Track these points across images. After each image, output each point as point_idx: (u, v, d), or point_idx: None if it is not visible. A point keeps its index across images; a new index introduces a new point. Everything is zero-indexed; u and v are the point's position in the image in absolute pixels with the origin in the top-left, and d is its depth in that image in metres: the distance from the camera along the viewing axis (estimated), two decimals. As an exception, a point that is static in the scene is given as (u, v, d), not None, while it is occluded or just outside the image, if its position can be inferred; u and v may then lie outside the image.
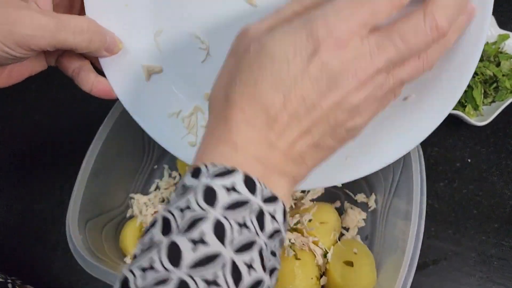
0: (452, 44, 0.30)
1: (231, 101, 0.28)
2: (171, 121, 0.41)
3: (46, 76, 0.72)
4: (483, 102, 0.60)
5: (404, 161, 0.49)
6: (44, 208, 0.61)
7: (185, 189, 0.26)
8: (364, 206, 0.57)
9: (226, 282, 0.24)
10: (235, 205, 0.25)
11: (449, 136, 0.61)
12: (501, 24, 0.64)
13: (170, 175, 0.61)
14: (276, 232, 0.27)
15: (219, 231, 0.24)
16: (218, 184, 0.25)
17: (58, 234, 0.58)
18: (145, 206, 0.56)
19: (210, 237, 0.24)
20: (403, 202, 0.48)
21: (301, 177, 0.30)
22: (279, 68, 0.27)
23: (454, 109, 0.59)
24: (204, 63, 0.39)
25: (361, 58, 0.27)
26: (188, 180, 0.26)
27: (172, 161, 0.61)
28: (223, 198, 0.25)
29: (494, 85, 0.60)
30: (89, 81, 0.38)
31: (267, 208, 0.26)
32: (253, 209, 0.26)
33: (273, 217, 0.26)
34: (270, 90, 0.27)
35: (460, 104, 0.61)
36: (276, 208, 0.27)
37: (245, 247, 0.25)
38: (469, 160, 0.60)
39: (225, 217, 0.25)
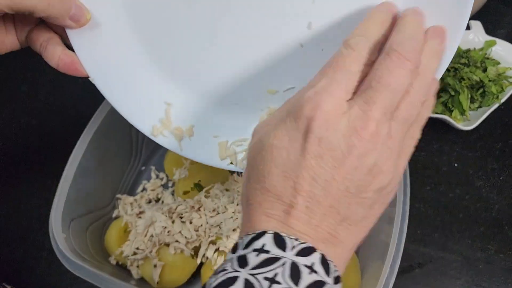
0: (436, 71, 0.30)
1: (249, 198, 0.29)
2: (144, 98, 0.39)
3: (35, 79, 0.73)
4: (469, 107, 0.61)
5: (389, 163, 0.49)
6: (31, 208, 0.61)
7: (269, 258, 0.26)
8: (350, 209, 0.56)
9: None
10: (315, 286, 0.26)
11: (436, 140, 0.62)
12: (488, 31, 0.65)
13: (157, 176, 0.61)
14: None
15: None
16: (302, 265, 0.26)
17: (45, 234, 0.58)
18: (130, 207, 0.56)
19: None
20: (388, 205, 0.48)
21: (342, 258, 0.29)
22: (279, 157, 0.28)
23: (441, 113, 0.60)
24: (183, 38, 0.37)
25: (355, 119, 0.27)
26: (271, 246, 0.27)
27: (160, 162, 0.61)
28: (307, 279, 0.26)
29: (481, 90, 0.60)
30: (55, 55, 0.36)
31: None
32: None
33: None
34: (279, 180, 0.28)
35: (447, 109, 0.61)
36: None
37: None
38: (455, 165, 0.60)
39: None
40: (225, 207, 0.50)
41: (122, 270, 0.53)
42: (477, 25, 0.65)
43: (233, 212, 0.50)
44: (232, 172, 0.58)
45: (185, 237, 0.50)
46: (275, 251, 0.26)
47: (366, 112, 0.27)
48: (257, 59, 0.36)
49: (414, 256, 0.54)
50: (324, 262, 0.27)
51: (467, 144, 0.61)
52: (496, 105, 0.59)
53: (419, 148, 0.61)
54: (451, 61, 0.62)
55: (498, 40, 0.64)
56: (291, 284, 0.25)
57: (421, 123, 0.31)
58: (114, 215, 0.57)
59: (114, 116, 0.54)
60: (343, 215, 0.28)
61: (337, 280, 0.28)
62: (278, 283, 0.25)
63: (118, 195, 0.57)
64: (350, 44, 0.29)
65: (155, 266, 0.49)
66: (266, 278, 0.25)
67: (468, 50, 0.63)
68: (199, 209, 0.52)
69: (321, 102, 0.27)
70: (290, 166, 0.27)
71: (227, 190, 0.53)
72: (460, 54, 0.63)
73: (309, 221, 0.27)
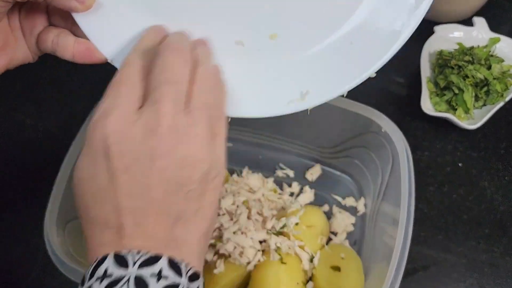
0: (211, 60, 0.33)
1: (83, 231, 0.29)
2: None
3: (30, 78, 0.71)
4: (474, 106, 0.60)
5: (393, 163, 0.48)
6: (25, 210, 0.59)
7: (112, 282, 0.25)
8: (353, 210, 0.55)
9: None
10: None
11: (440, 140, 0.61)
12: (492, 28, 0.64)
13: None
14: None
15: None
16: (148, 275, 0.25)
17: (39, 237, 0.56)
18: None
19: None
20: (392, 206, 0.47)
21: (194, 254, 0.28)
22: (90, 188, 0.28)
23: (445, 112, 0.59)
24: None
25: (148, 121, 0.27)
26: (113, 269, 0.26)
27: (158, 163, 0.60)
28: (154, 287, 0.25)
29: (485, 88, 0.59)
30: (69, 46, 0.35)
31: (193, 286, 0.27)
32: None
33: None
34: (97, 208, 0.27)
35: (451, 108, 0.60)
36: (200, 285, 0.27)
37: None
38: (459, 165, 0.59)
39: None
40: (225, 209, 0.49)
41: (119, 273, 0.52)
42: (481, 21, 0.64)
43: (233, 214, 0.49)
44: (231, 174, 0.57)
45: (184, 240, 0.49)
46: (117, 272, 0.25)
47: (157, 111, 0.27)
48: None
49: (417, 258, 0.53)
50: (173, 265, 0.26)
51: (471, 144, 0.60)
52: (501, 104, 0.58)
53: (422, 147, 0.61)
54: (455, 58, 0.61)
55: (502, 37, 0.63)
56: None
57: (221, 105, 0.31)
58: (110, 216, 0.55)
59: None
60: (174, 216, 0.27)
61: (193, 277, 0.27)
62: None
63: (115, 196, 0.56)
64: (124, 61, 0.30)
65: (153, 269, 0.48)
66: None
67: (472, 48, 0.62)
68: (198, 211, 0.50)
69: (109, 119, 0.27)
70: (103, 191, 0.27)
71: (226, 191, 0.52)
72: (464, 52, 0.61)
73: (143, 234, 0.27)
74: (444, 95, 0.60)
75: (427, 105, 0.60)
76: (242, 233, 0.48)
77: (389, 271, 0.41)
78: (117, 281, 0.25)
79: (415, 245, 0.53)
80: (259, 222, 0.50)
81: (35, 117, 0.67)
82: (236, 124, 0.59)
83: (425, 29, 0.68)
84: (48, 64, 0.72)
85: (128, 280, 0.25)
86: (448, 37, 0.64)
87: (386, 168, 0.49)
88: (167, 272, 0.26)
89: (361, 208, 0.55)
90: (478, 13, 0.68)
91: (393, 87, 0.66)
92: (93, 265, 0.26)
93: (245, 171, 0.57)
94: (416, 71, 0.64)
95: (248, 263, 0.47)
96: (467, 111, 0.59)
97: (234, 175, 0.56)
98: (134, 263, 0.25)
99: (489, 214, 0.55)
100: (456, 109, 0.59)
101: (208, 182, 0.28)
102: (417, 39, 0.68)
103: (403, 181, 0.45)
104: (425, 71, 0.62)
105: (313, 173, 0.58)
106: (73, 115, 0.67)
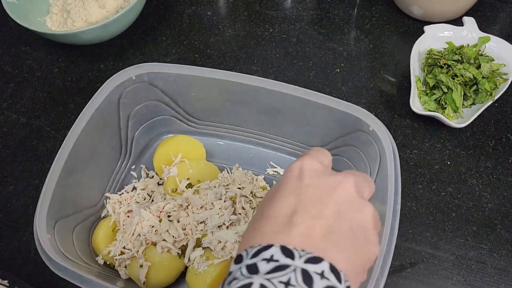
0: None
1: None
2: None
3: (23, 76, 0.71)
4: (463, 105, 0.60)
5: (380, 161, 0.48)
6: (18, 207, 0.60)
7: (280, 265, 0.28)
8: (342, 208, 0.56)
9: None
10: None
11: (429, 138, 0.61)
12: (482, 27, 0.64)
13: (147, 175, 0.60)
14: None
15: None
16: (312, 271, 0.28)
17: (31, 234, 0.57)
18: (119, 206, 0.54)
19: None
20: (379, 203, 0.47)
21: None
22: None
23: (434, 111, 0.60)
24: None
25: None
26: (279, 256, 0.29)
27: (150, 161, 0.60)
28: (319, 283, 0.28)
29: (474, 87, 0.60)
30: None
31: None
32: None
33: None
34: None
35: (440, 106, 0.61)
36: None
37: None
38: (448, 163, 0.59)
39: None
40: (212, 203, 0.50)
41: (110, 270, 0.52)
42: (470, 21, 0.65)
43: (219, 209, 0.49)
44: (221, 170, 0.57)
45: (173, 236, 0.49)
46: (283, 260, 0.28)
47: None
48: None
49: (405, 255, 0.53)
50: (334, 271, 0.29)
51: (460, 142, 0.61)
52: (489, 102, 0.59)
53: (411, 146, 0.61)
54: (444, 57, 0.61)
55: (492, 37, 0.63)
56: (305, 287, 0.27)
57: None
58: (102, 214, 0.56)
59: (103, 114, 0.53)
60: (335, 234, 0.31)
61: None
62: (293, 286, 0.27)
63: (107, 194, 0.56)
64: None
65: (141, 266, 0.48)
66: (281, 282, 0.27)
67: (461, 47, 0.62)
68: (187, 207, 0.51)
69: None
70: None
71: (215, 187, 0.52)
72: (454, 51, 0.62)
73: (306, 235, 0.30)
74: (434, 94, 0.61)
75: (416, 104, 0.60)
76: (227, 227, 0.48)
77: (374, 268, 0.41)
78: (284, 266, 0.28)
79: (404, 242, 0.54)
80: (242, 216, 0.50)
81: (29, 116, 0.68)
82: (228, 123, 0.60)
83: (415, 28, 0.69)
84: (43, 65, 0.72)
85: (295, 269, 0.28)
86: (438, 37, 0.64)
87: (374, 166, 0.50)
88: (328, 275, 0.29)
89: (350, 206, 0.55)
90: (468, 13, 0.68)
91: (384, 86, 0.66)
92: (257, 248, 0.29)
93: (235, 168, 0.58)
94: (406, 70, 0.64)
95: (231, 257, 0.48)
96: (456, 110, 0.59)
97: (224, 172, 0.56)
98: (300, 257, 0.29)
99: (477, 212, 0.56)
100: (445, 108, 0.60)
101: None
102: (408, 39, 0.68)
103: (389, 178, 0.45)
104: (415, 70, 0.62)
105: (303, 171, 0.58)
106: (65, 115, 0.67)
